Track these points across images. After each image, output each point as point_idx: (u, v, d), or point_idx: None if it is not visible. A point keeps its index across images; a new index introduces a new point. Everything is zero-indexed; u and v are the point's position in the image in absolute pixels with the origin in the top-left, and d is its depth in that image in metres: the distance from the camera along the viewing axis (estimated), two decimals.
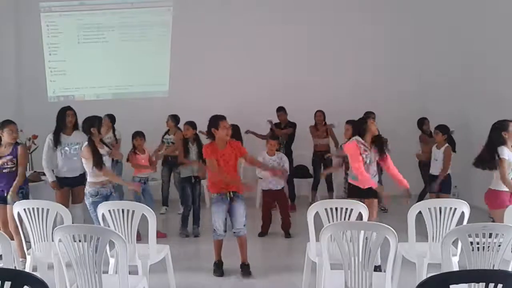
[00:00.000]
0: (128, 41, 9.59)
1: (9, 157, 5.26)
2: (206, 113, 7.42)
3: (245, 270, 5.26)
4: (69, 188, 6.11)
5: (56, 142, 6.05)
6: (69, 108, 6.26)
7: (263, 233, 6.84)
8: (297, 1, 9.32)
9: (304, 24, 9.24)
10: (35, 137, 7.84)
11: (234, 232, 5.28)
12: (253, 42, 9.29)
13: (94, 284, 3.35)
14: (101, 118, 5.31)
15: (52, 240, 4.36)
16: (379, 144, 5.15)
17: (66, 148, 6.07)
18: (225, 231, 5.25)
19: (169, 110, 8.28)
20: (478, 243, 3.33)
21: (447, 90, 9.01)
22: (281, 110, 8.53)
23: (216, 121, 5.14)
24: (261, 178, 7.14)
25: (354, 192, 5.17)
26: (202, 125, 6.94)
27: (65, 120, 6.12)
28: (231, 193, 5.15)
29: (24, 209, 4.33)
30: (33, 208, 4.33)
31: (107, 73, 9.60)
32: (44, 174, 7.14)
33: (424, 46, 9.24)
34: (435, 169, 6.63)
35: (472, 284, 2.50)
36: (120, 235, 3.35)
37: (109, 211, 4.22)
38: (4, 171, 5.22)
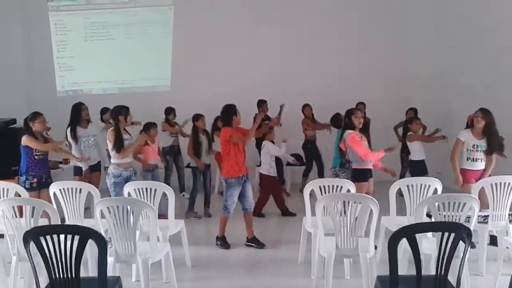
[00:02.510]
0: (132, 38, 10.19)
1: None
2: (204, 105, 8.19)
3: (257, 242, 6.03)
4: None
5: (75, 136, 6.71)
6: (82, 103, 6.94)
7: (259, 213, 7.40)
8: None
9: (298, 20, 9.88)
10: (48, 129, 8.48)
11: (245, 209, 6.02)
12: (250, 37, 9.88)
13: (129, 248, 4.05)
14: (128, 107, 5.89)
15: (84, 217, 5.09)
16: (365, 130, 5.86)
17: (84, 139, 6.74)
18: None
19: (170, 103, 8.95)
20: (445, 216, 4.06)
21: (431, 80, 9.69)
22: (264, 103, 9.02)
23: (235, 109, 5.96)
24: (259, 166, 7.88)
25: (359, 175, 5.68)
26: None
27: (80, 114, 6.79)
28: (245, 176, 5.92)
29: (60, 189, 5.01)
30: (67, 188, 5.01)
31: (113, 68, 10.22)
32: (61, 163, 7.86)
33: (408, 37, 9.81)
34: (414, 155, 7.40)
35: (433, 233, 3.21)
36: (152, 206, 4.05)
37: (135, 189, 4.92)
38: (35, 157, 5.89)
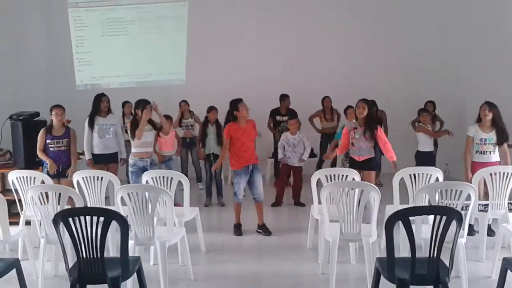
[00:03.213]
0: (148, 34, 10.49)
1: (66, 139, 6.39)
2: (218, 99, 8.47)
3: (265, 229, 6.31)
4: (104, 164, 7.07)
5: (91, 124, 7.04)
6: (103, 94, 7.27)
7: (278, 203, 7.76)
8: None
9: (309, 18, 10.08)
10: (68, 121, 8.81)
11: (254, 198, 6.31)
12: (264, 33, 10.10)
13: (148, 232, 4.37)
14: (145, 103, 6.21)
15: (105, 204, 5.43)
16: (369, 122, 6.03)
17: (105, 127, 7.06)
18: (244, 195, 6.31)
19: (185, 97, 9.24)
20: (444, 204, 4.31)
21: (441, 75, 9.83)
22: (286, 97, 9.26)
23: (236, 104, 6.15)
24: (271, 158, 8.19)
25: (353, 164, 6.02)
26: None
27: (100, 104, 7.11)
28: (251, 166, 6.19)
29: (83, 177, 5.36)
30: (90, 177, 5.36)
31: (129, 63, 10.53)
32: (81, 153, 8.21)
33: (414, 32, 9.95)
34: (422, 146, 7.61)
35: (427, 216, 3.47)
36: (169, 192, 4.36)
37: (152, 178, 5.24)
38: (50, 149, 6.30)
